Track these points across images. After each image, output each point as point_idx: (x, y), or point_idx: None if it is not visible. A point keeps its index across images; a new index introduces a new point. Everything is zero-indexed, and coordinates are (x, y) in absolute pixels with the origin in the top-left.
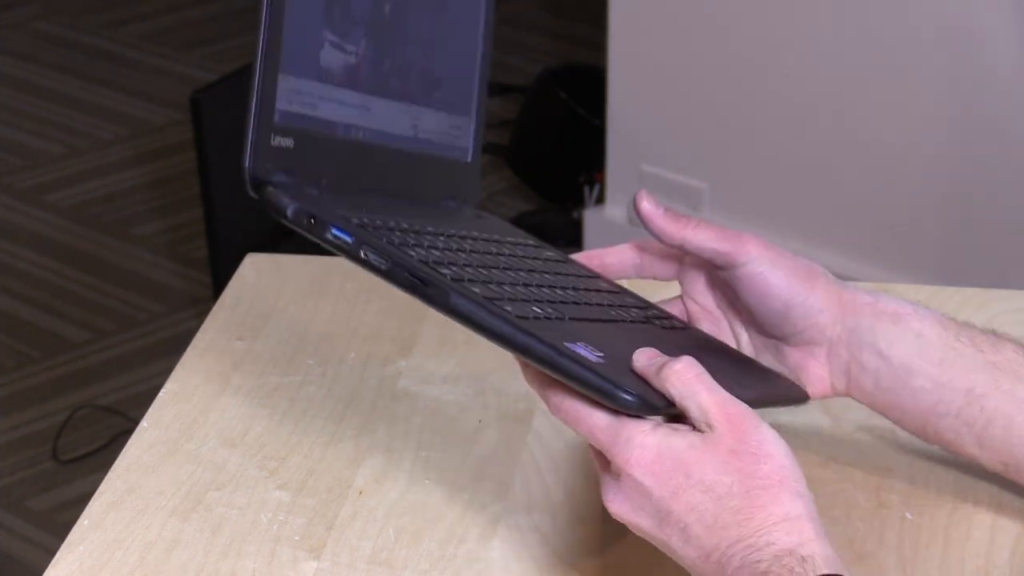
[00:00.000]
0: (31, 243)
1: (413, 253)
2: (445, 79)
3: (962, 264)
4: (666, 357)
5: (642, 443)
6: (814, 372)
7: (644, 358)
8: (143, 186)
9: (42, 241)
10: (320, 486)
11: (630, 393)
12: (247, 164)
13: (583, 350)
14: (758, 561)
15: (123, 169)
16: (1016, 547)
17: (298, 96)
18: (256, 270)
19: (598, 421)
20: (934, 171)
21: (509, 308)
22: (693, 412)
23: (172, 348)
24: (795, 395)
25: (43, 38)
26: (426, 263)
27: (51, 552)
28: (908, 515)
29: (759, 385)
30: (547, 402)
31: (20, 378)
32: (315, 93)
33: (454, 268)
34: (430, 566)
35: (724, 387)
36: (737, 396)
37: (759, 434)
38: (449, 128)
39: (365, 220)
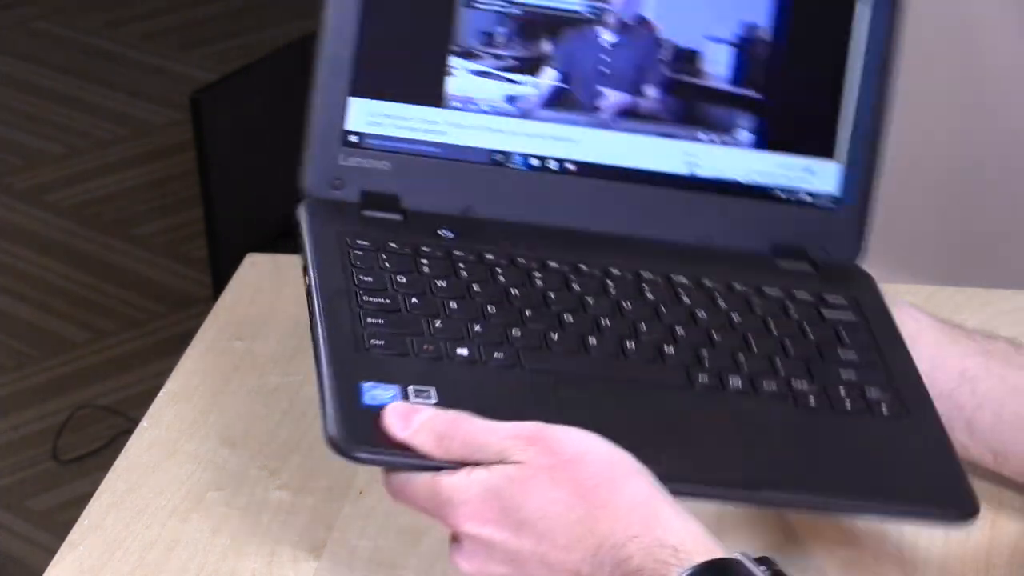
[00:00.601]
0: (31, 243)
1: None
2: (773, 118)
3: (962, 264)
4: (427, 409)
5: (462, 498)
6: None
7: (391, 429)
8: (143, 186)
9: (42, 241)
10: (320, 486)
11: (344, 442)
12: (304, 180)
13: (376, 390)
14: (627, 558)
15: (123, 169)
16: (1016, 547)
17: (390, 120)
18: (256, 270)
19: (419, 491)
20: (934, 171)
21: (378, 342)
22: (491, 458)
23: (172, 348)
24: (949, 511)
25: (43, 38)
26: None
27: (51, 552)
28: None
29: (877, 484)
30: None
31: (20, 378)
32: (439, 119)
33: (387, 304)
34: (430, 566)
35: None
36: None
37: (566, 438)
38: (774, 167)
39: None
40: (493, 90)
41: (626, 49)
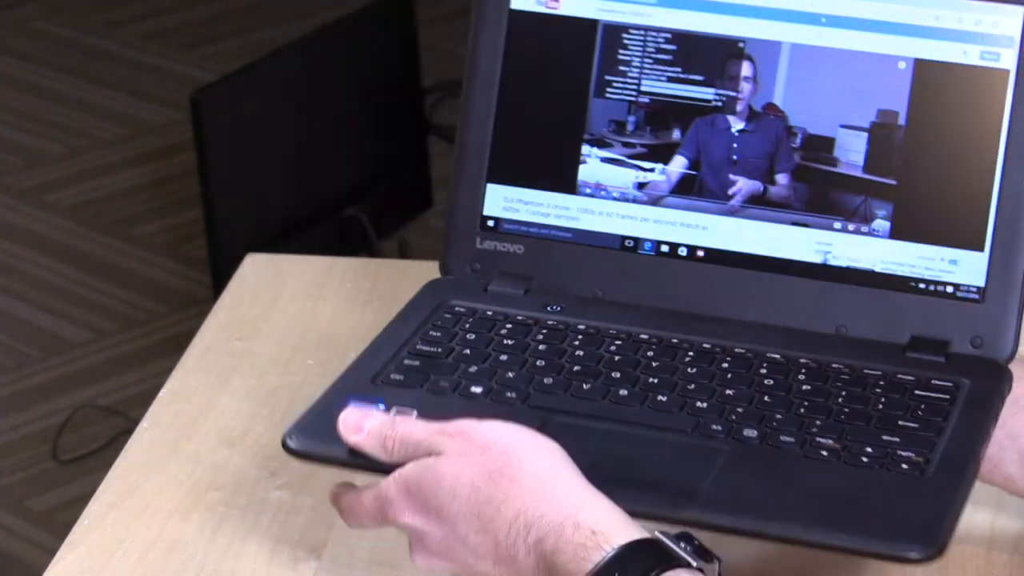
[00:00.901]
0: (31, 243)
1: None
2: (906, 208)
3: None
4: (376, 415)
5: (394, 494)
6: None
7: (343, 434)
8: (143, 186)
9: (42, 241)
10: (320, 486)
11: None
12: (444, 261)
13: (360, 402)
14: (539, 539)
15: (123, 169)
16: (1016, 547)
17: (525, 206)
18: (256, 270)
19: (367, 504)
20: None
21: (398, 376)
22: (422, 454)
23: (172, 348)
24: (907, 547)
25: (43, 38)
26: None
27: (51, 552)
28: None
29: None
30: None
31: (20, 378)
32: (571, 206)
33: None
34: None
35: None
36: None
37: (483, 427)
38: (915, 259)
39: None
40: (623, 177)
41: (756, 136)
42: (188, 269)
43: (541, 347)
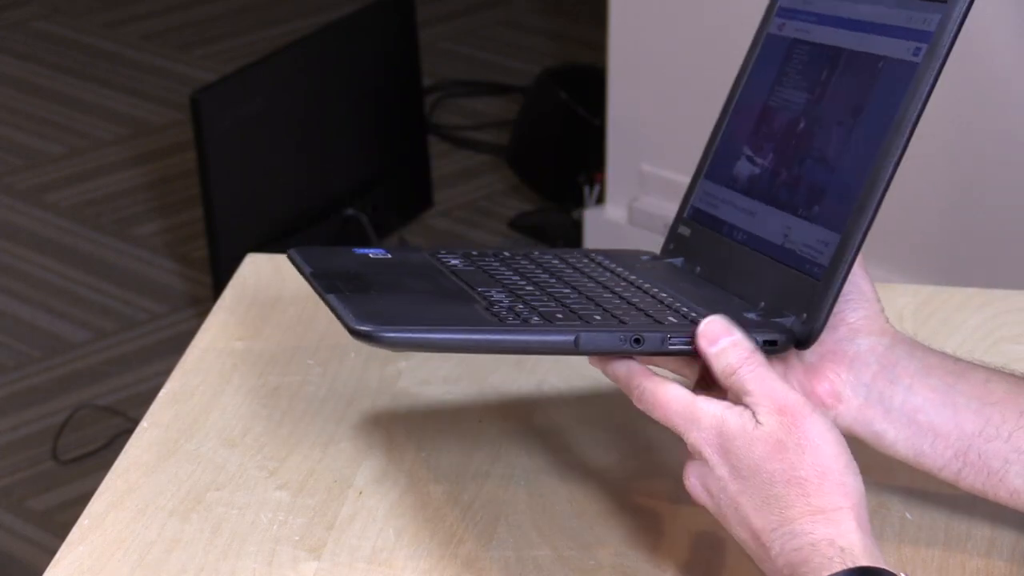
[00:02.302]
0: (31, 243)
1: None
2: (829, 194)
3: (962, 264)
4: (736, 337)
5: (707, 424)
6: (824, 380)
7: (714, 328)
8: (143, 186)
9: (42, 241)
10: (320, 486)
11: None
12: (666, 239)
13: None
14: (796, 548)
15: (123, 169)
16: (1016, 547)
17: (708, 198)
18: (256, 270)
19: (674, 406)
20: (934, 171)
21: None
22: (747, 400)
23: (172, 348)
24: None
25: (43, 38)
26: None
27: (51, 552)
28: (908, 515)
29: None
30: (631, 392)
31: (20, 378)
32: (721, 197)
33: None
34: (430, 566)
35: None
36: None
37: (806, 425)
38: (815, 242)
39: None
40: (746, 170)
41: (802, 135)
42: (188, 269)
43: (559, 271)
